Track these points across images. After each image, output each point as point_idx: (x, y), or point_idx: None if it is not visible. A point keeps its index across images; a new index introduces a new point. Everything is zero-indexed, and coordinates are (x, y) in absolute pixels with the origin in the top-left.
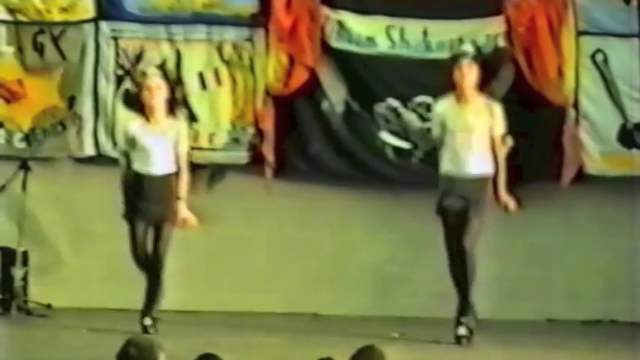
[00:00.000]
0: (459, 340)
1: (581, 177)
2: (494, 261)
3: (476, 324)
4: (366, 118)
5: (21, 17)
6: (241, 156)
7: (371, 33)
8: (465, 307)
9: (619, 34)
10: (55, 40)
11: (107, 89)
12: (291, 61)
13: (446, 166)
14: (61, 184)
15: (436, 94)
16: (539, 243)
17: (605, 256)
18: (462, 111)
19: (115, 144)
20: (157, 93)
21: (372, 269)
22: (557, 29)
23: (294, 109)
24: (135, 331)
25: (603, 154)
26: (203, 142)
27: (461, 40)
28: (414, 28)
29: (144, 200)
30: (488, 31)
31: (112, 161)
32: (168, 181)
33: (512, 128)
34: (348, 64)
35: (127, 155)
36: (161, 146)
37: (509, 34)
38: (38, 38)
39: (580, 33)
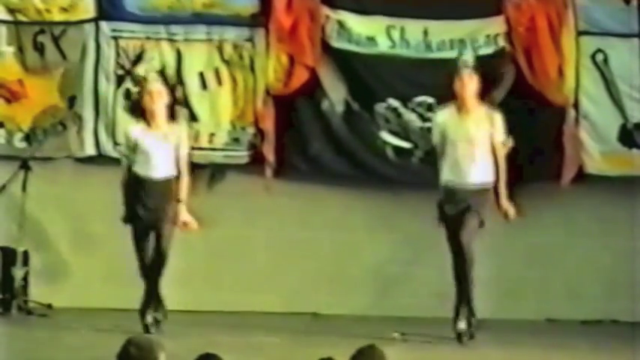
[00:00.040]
0: (459, 336)
1: (582, 177)
2: (494, 261)
3: (476, 323)
4: (366, 118)
5: (21, 17)
6: (241, 156)
7: (371, 33)
8: (462, 301)
9: (619, 34)
10: (56, 40)
11: (107, 89)
12: (292, 61)
13: (446, 175)
14: (61, 184)
15: (436, 94)
16: (539, 243)
17: (605, 255)
18: (463, 121)
19: (115, 144)
20: (158, 98)
21: (373, 269)
22: (557, 29)
23: (294, 109)
24: (135, 331)
25: (603, 153)
26: (203, 142)
27: (461, 41)
28: (414, 28)
29: (144, 203)
30: (489, 31)
31: (113, 161)
32: (168, 184)
33: (513, 128)
34: (348, 64)
35: (128, 159)
36: (162, 150)
37: (509, 35)
38: (38, 38)
39: (580, 33)
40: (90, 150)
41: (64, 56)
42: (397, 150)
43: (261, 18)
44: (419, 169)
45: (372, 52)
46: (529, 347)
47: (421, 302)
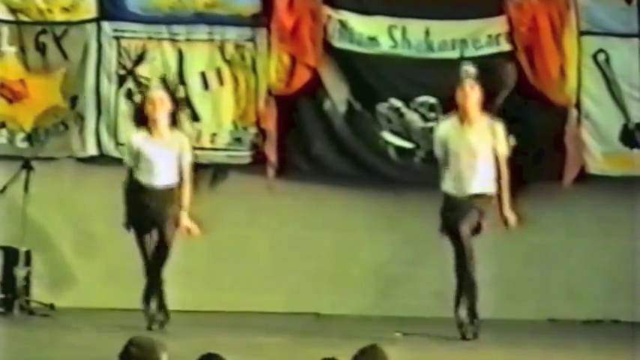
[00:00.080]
0: (460, 325)
1: (583, 177)
2: (495, 261)
3: (478, 324)
4: (368, 118)
5: (23, 17)
6: (243, 156)
7: (373, 33)
8: (462, 291)
9: (621, 33)
10: (58, 40)
11: (109, 89)
12: (293, 61)
13: (448, 185)
14: (63, 184)
15: (438, 94)
16: (540, 243)
17: (606, 256)
18: (465, 132)
19: (117, 144)
20: (160, 106)
21: (374, 269)
22: (559, 29)
23: (296, 109)
24: (138, 332)
25: (605, 154)
26: (205, 142)
27: (463, 40)
28: (416, 27)
29: (146, 210)
30: (490, 31)
31: (114, 161)
32: (171, 192)
33: (514, 128)
34: (350, 64)
35: (130, 166)
36: (165, 159)
37: (511, 34)
38: (40, 38)
39: (582, 33)
40: (92, 150)
41: (65, 56)
42: (399, 150)
43: (262, 18)
44: (421, 169)
45: (373, 52)
46: (530, 347)
47: (423, 302)
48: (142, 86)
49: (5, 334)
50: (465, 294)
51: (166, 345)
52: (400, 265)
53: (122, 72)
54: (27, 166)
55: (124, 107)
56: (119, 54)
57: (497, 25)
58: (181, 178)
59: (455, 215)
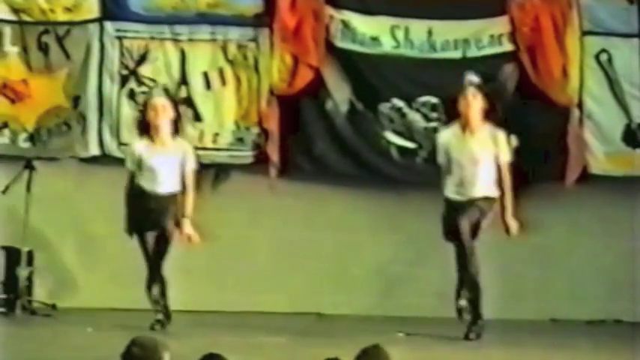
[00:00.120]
0: (459, 312)
1: (586, 177)
2: (497, 261)
3: (483, 324)
4: (370, 118)
5: (25, 17)
6: (246, 156)
7: (375, 33)
8: (463, 280)
9: (623, 33)
10: (60, 40)
11: (112, 89)
12: (296, 60)
13: (450, 192)
14: (65, 184)
15: (440, 94)
16: (542, 243)
17: (609, 256)
18: (467, 142)
19: (119, 144)
20: (162, 113)
21: (376, 269)
22: (561, 29)
23: (298, 108)
24: (140, 332)
25: (608, 154)
26: (207, 142)
27: (466, 40)
28: (418, 28)
29: (148, 214)
30: (493, 31)
31: (117, 161)
32: (173, 199)
33: (517, 128)
34: (352, 64)
35: (133, 172)
36: (167, 166)
37: (513, 35)
38: (43, 38)
39: (584, 33)
40: (94, 150)
41: (68, 56)
42: (401, 150)
43: (265, 18)
44: (423, 169)
45: (376, 52)
46: (532, 347)
47: (425, 302)
48: (145, 86)
49: (7, 334)
50: (468, 292)
51: (168, 345)
52: (402, 265)
53: (124, 72)
54: (29, 166)
55: (127, 107)
56: (122, 54)
57: (500, 25)
58: (184, 185)
59: (456, 215)
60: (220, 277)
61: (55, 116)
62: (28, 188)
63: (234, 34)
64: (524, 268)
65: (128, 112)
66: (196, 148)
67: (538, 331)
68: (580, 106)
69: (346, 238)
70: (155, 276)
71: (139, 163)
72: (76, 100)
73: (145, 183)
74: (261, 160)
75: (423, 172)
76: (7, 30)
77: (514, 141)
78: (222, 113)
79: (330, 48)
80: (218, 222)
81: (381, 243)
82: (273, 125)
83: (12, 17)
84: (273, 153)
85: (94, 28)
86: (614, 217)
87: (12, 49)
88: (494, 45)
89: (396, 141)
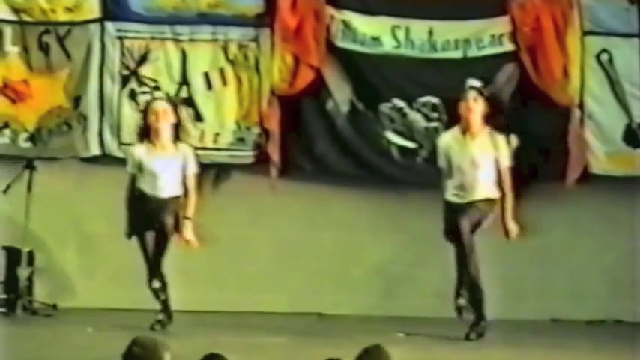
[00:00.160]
0: (459, 310)
1: (586, 177)
2: (498, 261)
3: (486, 325)
4: (371, 118)
5: (26, 17)
6: (246, 156)
7: (376, 33)
8: (462, 279)
9: (624, 33)
10: (61, 40)
11: (112, 89)
12: (297, 61)
13: (451, 195)
14: (66, 184)
15: (441, 94)
16: (543, 243)
17: (609, 256)
18: (468, 146)
19: (120, 144)
20: (163, 117)
21: (377, 269)
22: (562, 29)
23: (299, 109)
24: (140, 331)
25: (608, 154)
26: (208, 142)
27: (466, 41)
28: (419, 28)
29: (148, 217)
30: (494, 31)
31: (118, 161)
32: (174, 203)
33: (517, 128)
34: (353, 64)
35: (134, 176)
36: (168, 171)
37: (514, 35)
38: (44, 38)
39: (585, 33)
40: (95, 150)
41: (69, 56)
42: (402, 150)
43: (266, 18)
44: (424, 169)
45: (377, 52)
46: (533, 347)
47: (426, 302)
48: (145, 86)
49: (8, 334)
50: (469, 293)
51: (169, 345)
52: (403, 265)
53: (125, 72)
54: (30, 166)
55: (128, 107)
56: (122, 54)
57: (501, 25)
58: (186, 189)
59: (456, 216)
60: (221, 277)
61: (55, 116)
62: (29, 188)
63: (235, 34)
64: (525, 268)
65: (129, 112)
66: (197, 148)
67: (538, 331)
68: (581, 106)
69: (347, 238)
70: (155, 272)
71: (140, 167)
72: (77, 100)
73: (145, 187)
74: (261, 160)
75: (423, 172)
76: (8, 30)
77: (514, 141)
78: (222, 113)
79: (331, 48)
80: (218, 222)
81: (381, 243)
82: (273, 125)
83: (13, 17)
84: (274, 153)
85: (94, 28)
86: (614, 217)
87: (13, 49)
88: (494, 45)
89: (397, 141)
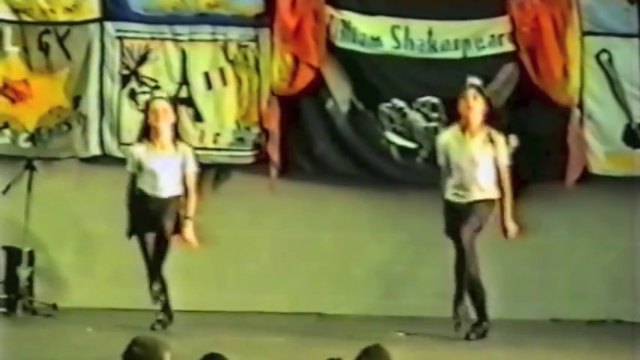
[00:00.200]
0: (457, 326)
1: (586, 177)
2: (498, 261)
3: (486, 326)
4: (370, 118)
5: (26, 17)
6: (246, 156)
7: (376, 33)
8: (460, 297)
9: (624, 33)
10: (61, 40)
11: (112, 89)
12: (296, 61)
13: (450, 195)
14: (66, 184)
15: (441, 94)
16: (543, 243)
17: (609, 255)
18: (467, 144)
19: (120, 144)
20: (163, 116)
21: (377, 269)
22: (561, 29)
23: (299, 108)
24: (141, 331)
25: (608, 154)
26: (208, 142)
27: (466, 41)
28: (418, 28)
29: (149, 216)
30: (493, 31)
31: (117, 161)
32: (174, 202)
33: (517, 128)
34: (352, 64)
35: (134, 175)
36: (168, 170)
37: (513, 35)
38: (43, 38)
39: (585, 33)
40: (95, 150)
41: (68, 56)
42: (402, 150)
43: (265, 18)
44: (423, 169)
45: (376, 52)
46: (533, 347)
47: (426, 302)
48: (145, 86)
49: (8, 334)
50: (470, 296)
51: (169, 345)
52: (403, 264)
53: (125, 72)
54: (30, 166)
55: (127, 107)
56: (122, 54)
57: (500, 25)
58: (186, 188)
59: (456, 219)
60: (221, 277)
61: (55, 116)
62: (29, 188)
63: (235, 34)
64: (525, 269)
65: (129, 112)
66: (197, 148)
67: (539, 331)
68: (580, 106)
69: (347, 238)
70: (155, 276)
71: (139, 166)
72: (77, 100)
73: (145, 186)
74: (261, 160)
75: (423, 172)
76: (8, 30)
77: (514, 141)
78: (222, 113)
79: (331, 48)
80: (218, 222)
81: (381, 243)
82: (273, 125)
83: (12, 17)
84: (274, 153)
85: (94, 28)
86: (614, 216)
87: (12, 49)
88: (494, 45)
89: (397, 141)
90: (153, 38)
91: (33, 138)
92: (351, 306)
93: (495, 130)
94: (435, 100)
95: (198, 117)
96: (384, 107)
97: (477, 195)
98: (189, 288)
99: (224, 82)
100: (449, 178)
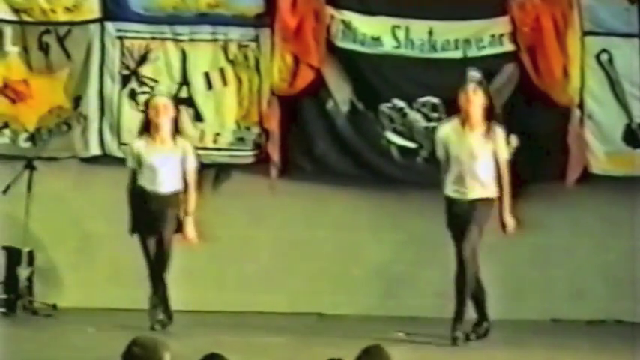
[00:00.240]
0: (454, 340)
1: (586, 177)
2: (498, 261)
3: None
4: (371, 118)
5: (26, 17)
6: (246, 156)
7: (376, 33)
8: (460, 313)
9: (624, 34)
10: (61, 40)
11: (112, 89)
12: (297, 61)
13: (450, 190)
14: (66, 184)
15: (441, 94)
16: (543, 243)
17: (610, 255)
18: (466, 137)
19: (120, 144)
20: (163, 112)
21: (377, 269)
22: (562, 29)
23: (299, 109)
24: (140, 331)
25: (608, 154)
26: (208, 142)
27: (466, 41)
28: (419, 28)
29: (149, 216)
30: (494, 31)
31: (117, 161)
32: (175, 198)
33: (518, 128)
34: (353, 64)
35: (134, 172)
36: (168, 165)
37: (514, 35)
38: (44, 38)
39: (585, 33)
40: (95, 150)
41: (69, 56)
42: (402, 150)
43: (266, 18)
44: (424, 169)
45: (376, 52)
46: (534, 347)
47: (426, 302)
48: (146, 86)
49: (8, 334)
50: (472, 294)
51: (169, 345)
52: (403, 265)
53: (125, 72)
54: (30, 166)
55: (128, 107)
56: (122, 54)
57: (501, 25)
58: (186, 184)
59: (457, 221)
60: (221, 277)
61: (55, 116)
62: (29, 188)
63: (235, 34)
64: (525, 268)
65: (129, 112)
66: (197, 148)
67: (539, 331)
68: (581, 106)
69: (347, 238)
70: (158, 293)
71: (139, 161)
72: (77, 100)
73: (145, 183)
74: (261, 160)
75: (423, 172)
76: (8, 30)
77: (514, 141)
78: (223, 113)
79: (331, 48)
80: (219, 222)
81: (381, 243)
82: (273, 125)
83: (13, 17)
84: (274, 153)
85: (94, 28)
86: (614, 216)
87: (13, 49)
88: (494, 45)
89: (397, 141)
90: (153, 38)
91: (33, 138)
92: (351, 306)
93: (493, 121)
94: (435, 100)
95: (198, 117)
96: (384, 107)
97: (476, 192)
98: (189, 288)
99: (224, 82)
100: (448, 173)
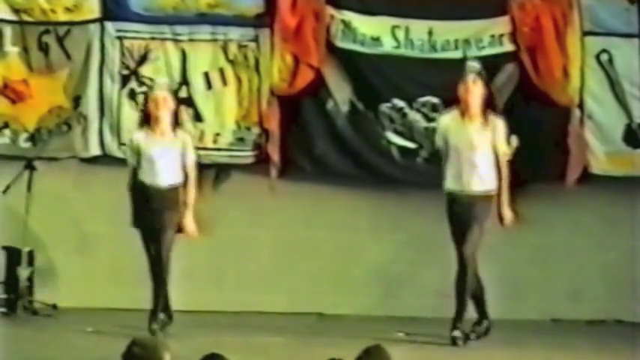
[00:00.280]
0: (454, 340)
1: (586, 177)
2: (498, 261)
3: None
4: (371, 118)
5: (26, 17)
6: (246, 156)
7: (376, 33)
8: (460, 314)
9: (624, 34)
10: (61, 40)
11: (112, 89)
12: (296, 61)
13: (450, 184)
14: (66, 184)
15: (441, 94)
16: (543, 243)
17: (609, 255)
18: (466, 128)
19: (120, 144)
20: (163, 105)
21: (377, 269)
22: (562, 29)
23: (299, 109)
24: (140, 332)
25: (608, 154)
26: (208, 142)
27: (466, 41)
28: (419, 28)
29: (150, 210)
30: (494, 31)
31: (117, 161)
32: (175, 192)
33: (518, 128)
34: (353, 64)
35: (134, 166)
36: (167, 158)
37: (514, 35)
38: (43, 38)
39: (585, 33)
40: (94, 150)
41: (68, 56)
42: (402, 150)
43: (265, 18)
44: (424, 169)
45: (376, 52)
46: (533, 347)
47: (426, 302)
48: (145, 86)
49: (8, 334)
50: (473, 293)
51: (169, 345)
52: (403, 265)
53: (125, 72)
54: (30, 166)
55: (127, 107)
56: (122, 54)
57: (501, 25)
58: (186, 177)
59: (458, 222)
60: (221, 277)
61: (55, 116)
62: (29, 188)
63: (235, 34)
64: (525, 268)
65: (129, 112)
66: (197, 148)
67: (539, 331)
68: (581, 106)
69: (347, 238)
70: (158, 303)
71: (138, 155)
72: (77, 100)
73: (145, 177)
74: (261, 160)
75: (423, 172)
76: (8, 30)
77: (514, 141)
78: (222, 113)
79: (331, 48)
80: (219, 222)
81: (381, 243)
82: (273, 125)
83: (12, 17)
84: (274, 153)
85: (94, 28)
86: (614, 216)
87: (12, 49)
88: (494, 45)
89: (397, 141)
90: (153, 38)
91: (33, 138)
92: (351, 306)
93: (493, 113)
94: (435, 100)
95: (198, 117)
96: (384, 107)
97: (476, 185)
98: (189, 288)
99: (224, 82)
100: (448, 165)
